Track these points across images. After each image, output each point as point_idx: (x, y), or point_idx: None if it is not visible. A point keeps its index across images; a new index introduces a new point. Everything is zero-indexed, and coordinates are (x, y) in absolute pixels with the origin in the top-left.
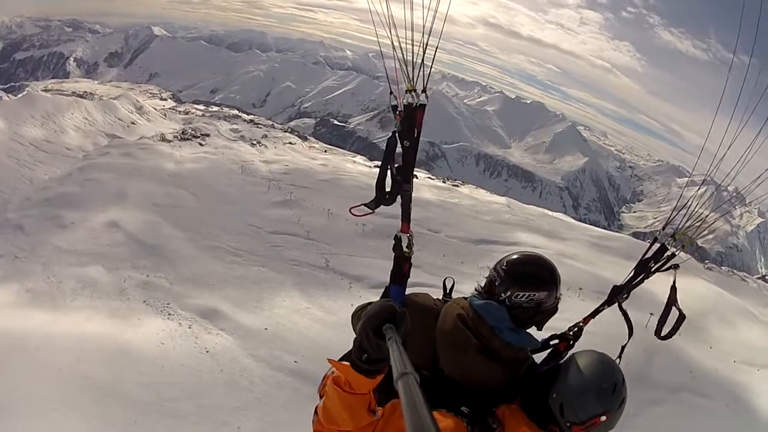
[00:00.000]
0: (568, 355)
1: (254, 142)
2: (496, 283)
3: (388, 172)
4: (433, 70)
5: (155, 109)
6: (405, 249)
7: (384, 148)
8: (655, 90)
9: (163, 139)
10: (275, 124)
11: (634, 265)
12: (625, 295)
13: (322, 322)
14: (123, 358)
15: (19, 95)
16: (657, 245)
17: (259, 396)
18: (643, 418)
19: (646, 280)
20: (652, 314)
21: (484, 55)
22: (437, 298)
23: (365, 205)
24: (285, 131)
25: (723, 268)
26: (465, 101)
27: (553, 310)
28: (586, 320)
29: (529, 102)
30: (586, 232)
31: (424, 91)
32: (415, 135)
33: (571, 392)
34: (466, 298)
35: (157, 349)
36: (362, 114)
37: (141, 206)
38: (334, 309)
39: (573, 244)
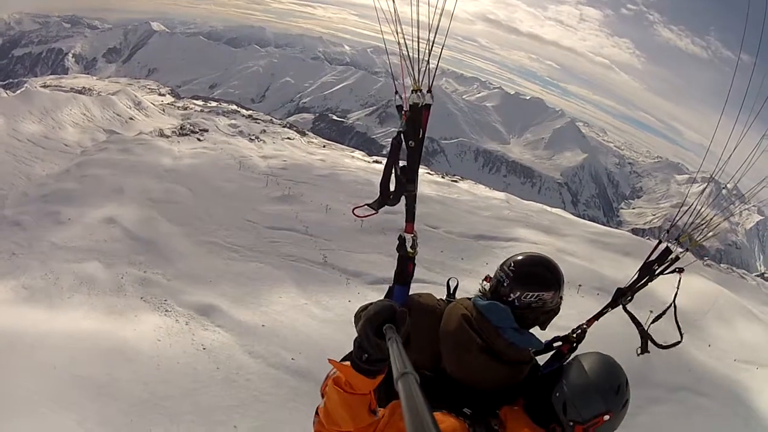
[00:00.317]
0: (571, 358)
1: (253, 138)
2: (504, 284)
3: (393, 172)
4: (433, 66)
5: (154, 105)
6: (409, 250)
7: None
8: (654, 87)
9: (162, 134)
10: (274, 120)
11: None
12: (629, 298)
13: (319, 319)
14: (119, 356)
15: (18, 91)
16: (661, 248)
17: (256, 394)
18: (644, 418)
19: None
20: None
21: (483, 51)
22: (441, 298)
23: (368, 205)
24: (284, 126)
25: (722, 265)
26: (464, 97)
27: (557, 309)
28: (589, 322)
29: (528, 98)
30: (586, 229)
31: (429, 90)
32: (420, 135)
33: (575, 391)
34: (469, 299)
35: (154, 346)
36: (361, 109)
37: (138, 202)
38: (332, 305)
39: (572, 240)
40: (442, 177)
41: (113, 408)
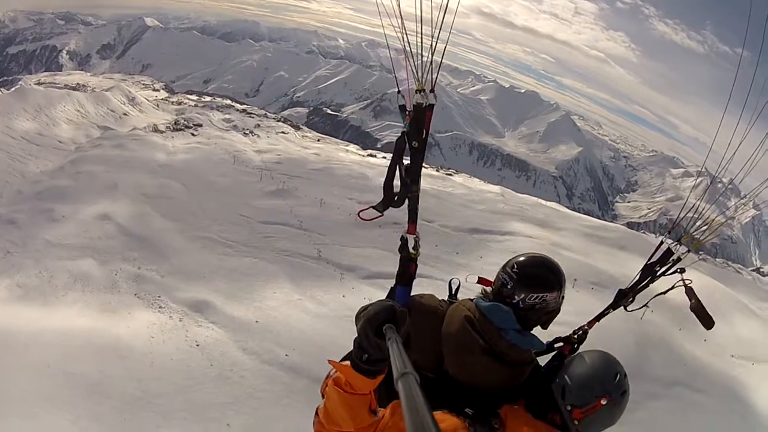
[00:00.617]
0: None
1: (247, 132)
2: (508, 287)
3: (396, 173)
4: (426, 59)
5: (148, 100)
6: (411, 250)
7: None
8: (649, 81)
9: (156, 129)
10: (268, 114)
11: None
12: (631, 299)
13: (313, 314)
14: (113, 354)
15: (12, 89)
16: (663, 248)
17: (249, 391)
18: (641, 414)
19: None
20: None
21: (478, 45)
22: (443, 299)
23: (373, 207)
24: (278, 121)
25: (717, 259)
26: (459, 90)
27: (558, 309)
28: (590, 324)
29: (523, 91)
30: (581, 222)
31: (432, 90)
32: (424, 136)
33: (573, 377)
34: (472, 300)
35: (147, 344)
36: (355, 103)
37: (132, 198)
38: (326, 300)
39: (567, 234)
40: (437, 170)
41: (106, 406)
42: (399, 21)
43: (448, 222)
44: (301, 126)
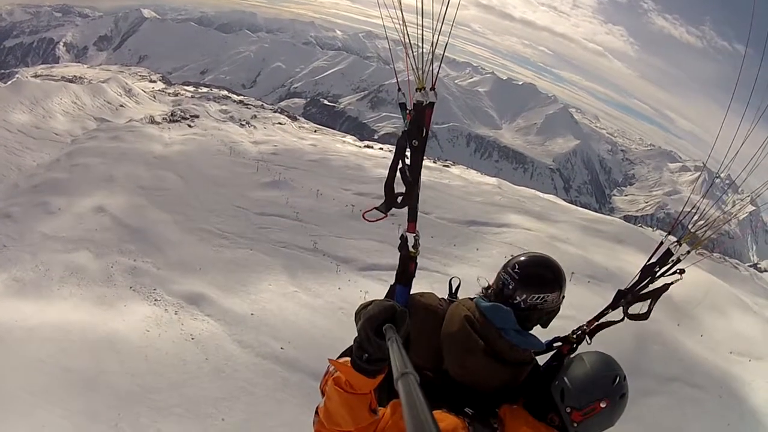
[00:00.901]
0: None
1: (243, 123)
2: (509, 287)
3: (398, 173)
4: (426, 54)
5: (144, 92)
6: (411, 249)
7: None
8: (647, 75)
9: (152, 121)
10: (265, 105)
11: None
12: (630, 301)
13: (309, 307)
14: (108, 348)
15: (8, 82)
16: (663, 249)
17: (244, 385)
18: (638, 410)
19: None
20: (649, 312)
21: (476, 36)
22: (442, 298)
23: (377, 209)
24: (275, 112)
25: (715, 254)
26: (456, 81)
27: (558, 309)
28: (590, 324)
29: (520, 83)
30: (578, 215)
31: (432, 88)
32: (424, 134)
33: (573, 379)
34: (471, 299)
35: (143, 337)
36: (352, 94)
37: (128, 190)
38: (321, 293)
39: (564, 227)
40: (434, 162)
41: (101, 401)
42: (399, 13)
43: (445, 214)
44: (298, 117)
